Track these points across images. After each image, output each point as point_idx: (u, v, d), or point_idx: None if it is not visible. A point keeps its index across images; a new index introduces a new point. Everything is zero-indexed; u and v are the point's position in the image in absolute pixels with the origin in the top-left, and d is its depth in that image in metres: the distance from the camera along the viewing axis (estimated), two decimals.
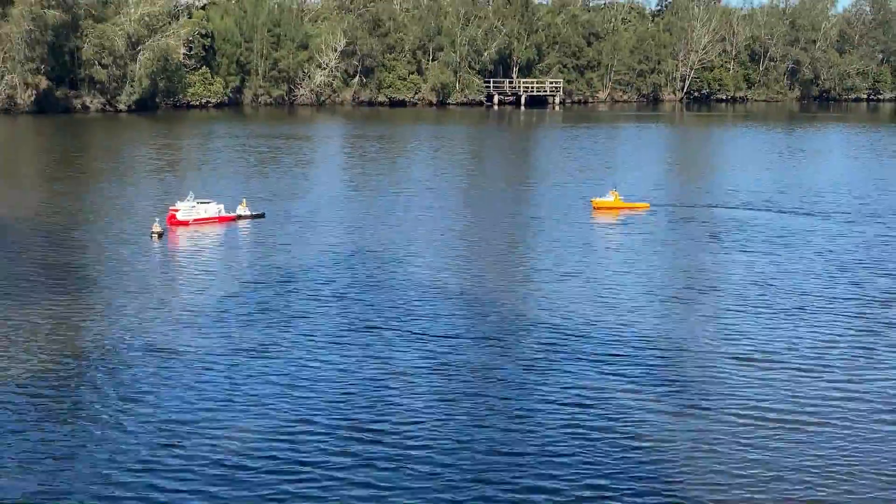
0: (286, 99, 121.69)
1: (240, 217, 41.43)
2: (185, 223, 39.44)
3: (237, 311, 26.95)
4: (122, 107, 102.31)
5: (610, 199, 45.87)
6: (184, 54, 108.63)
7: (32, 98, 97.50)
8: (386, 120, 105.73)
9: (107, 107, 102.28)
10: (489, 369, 22.55)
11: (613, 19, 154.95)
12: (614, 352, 23.94)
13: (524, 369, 22.54)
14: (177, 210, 39.74)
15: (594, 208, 45.54)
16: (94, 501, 15.80)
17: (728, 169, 65.50)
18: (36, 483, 16.34)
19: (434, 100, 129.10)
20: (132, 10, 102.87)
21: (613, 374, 22.23)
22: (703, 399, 20.68)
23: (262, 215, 41.91)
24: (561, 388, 21.27)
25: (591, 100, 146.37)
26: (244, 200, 42.63)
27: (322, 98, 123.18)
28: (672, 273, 33.09)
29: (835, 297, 29.59)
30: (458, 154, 74.18)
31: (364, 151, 72.55)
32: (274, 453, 17.62)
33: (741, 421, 19.55)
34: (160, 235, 37.32)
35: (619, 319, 26.88)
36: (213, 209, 40.77)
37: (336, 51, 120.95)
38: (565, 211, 45.26)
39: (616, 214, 44.53)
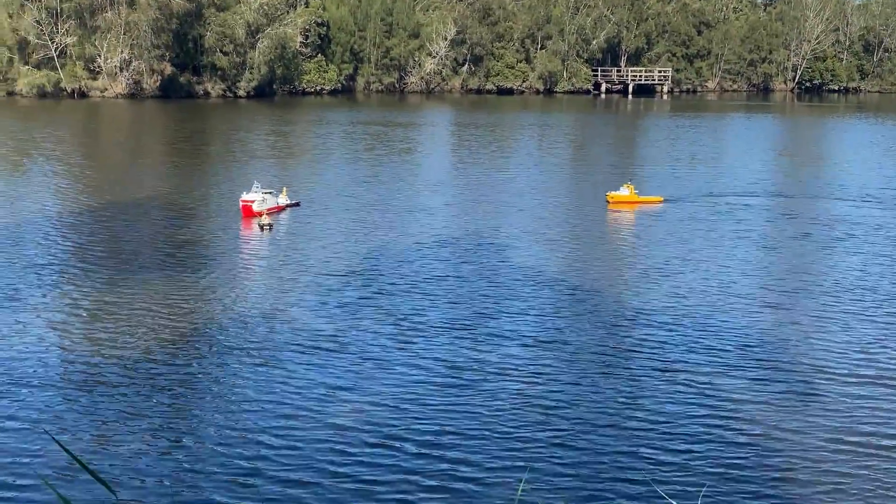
0: (397, 86, 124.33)
1: (288, 206, 41.15)
2: (260, 214, 38.35)
3: (335, 302, 27.35)
4: (241, 93, 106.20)
5: (625, 192, 44.81)
6: (300, 42, 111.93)
7: (157, 84, 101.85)
8: (493, 107, 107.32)
9: (227, 93, 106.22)
10: (590, 370, 24.08)
11: (724, 8, 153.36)
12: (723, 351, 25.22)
13: (635, 368, 24.02)
14: (251, 202, 38.92)
15: (609, 203, 44.44)
16: (185, 480, 16.82)
17: (838, 161, 65.33)
18: (134, 461, 17.44)
19: (541, 88, 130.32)
20: (252, 0, 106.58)
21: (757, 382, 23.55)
22: (822, 414, 21.09)
23: (297, 204, 41.78)
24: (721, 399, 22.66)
25: (699, 89, 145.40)
26: (285, 189, 42.26)
27: (431, 86, 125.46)
28: (776, 272, 33.97)
29: None
30: (563, 142, 75.41)
31: (468, 139, 74.23)
32: (369, 441, 18.26)
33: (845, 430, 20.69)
34: (270, 228, 36.90)
35: (704, 314, 28.07)
36: (273, 200, 40.33)
37: (446, 39, 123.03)
38: (678, 202, 46.15)
39: (633, 209, 43.82)
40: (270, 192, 40.47)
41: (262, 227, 36.75)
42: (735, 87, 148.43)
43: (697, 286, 30.03)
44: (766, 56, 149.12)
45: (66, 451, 4.41)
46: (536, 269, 32.00)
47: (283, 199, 41.24)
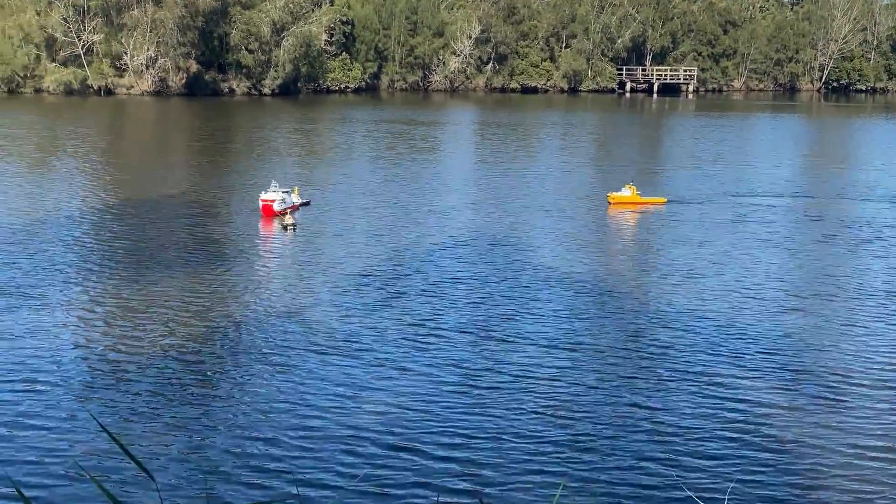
0: (421, 85, 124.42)
1: (300, 205, 40.85)
2: (283, 214, 38.13)
3: (356, 302, 27.51)
4: (266, 91, 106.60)
5: (627, 193, 44.28)
6: (325, 41, 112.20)
7: (183, 81, 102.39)
8: (517, 106, 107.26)
9: (252, 90, 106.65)
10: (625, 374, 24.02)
11: (751, 7, 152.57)
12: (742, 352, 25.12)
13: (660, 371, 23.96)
14: (271, 201, 38.63)
15: (610, 203, 43.96)
16: (219, 473, 17.11)
17: (865, 162, 64.83)
18: (167, 458, 17.74)
19: (566, 87, 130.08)
20: None
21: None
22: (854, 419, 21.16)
23: (307, 203, 41.46)
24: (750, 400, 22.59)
25: (725, 88, 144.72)
26: (296, 188, 41.71)
27: (456, 84, 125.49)
28: (798, 274, 33.80)
29: None
30: (586, 142, 75.26)
31: (491, 138, 74.19)
32: (391, 442, 18.52)
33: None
34: (294, 228, 36.51)
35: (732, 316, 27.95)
36: (290, 199, 40.02)
37: (471, 38, 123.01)
38: (702, 202, 45.97)
39: (634, 209, 43.38)
40: (286, 192, 40.09)
41: (285, 228, 36.39)
42: (761, 86, 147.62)
43: (719, 289, 29.87)
44: (792, 56, 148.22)
45: (109, 434, 4.49)
46: (554, 269, 31.92)
47: (294, 198, 40.81)
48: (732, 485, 16.63)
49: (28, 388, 20.26)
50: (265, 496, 15.85)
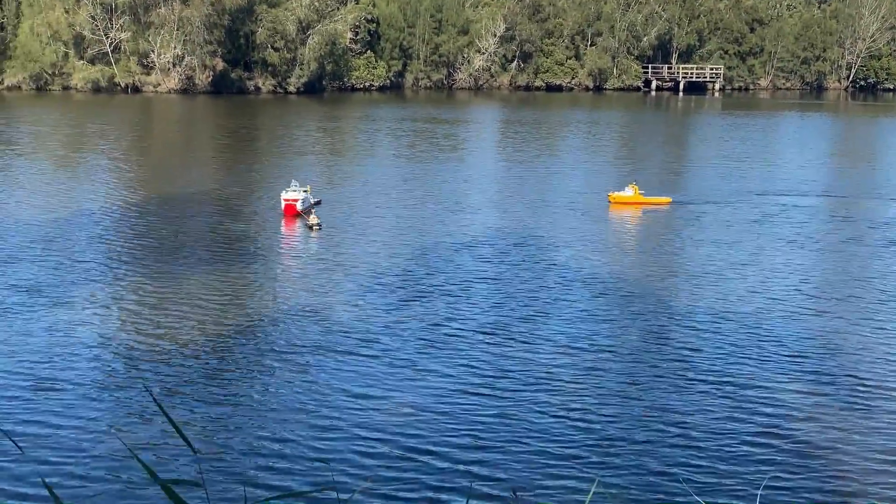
0: (445, 83, 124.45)
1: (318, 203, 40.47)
2: (307, 215, 37.67)
3: (379, 300, 27.84)
4: (291, 89, 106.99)
5: (629, 193, 43.96)
6: (350, 39, 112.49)
7: (209, 79, 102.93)
8: (541, 104, 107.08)
9: (277, 88, 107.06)
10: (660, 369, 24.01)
11: (778, 5, 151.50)
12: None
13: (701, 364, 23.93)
14: (294, 200, 38.47)
15: (611, 203, 43.62)
16: (250, 469, 17.37)
17: (892, 162, 64.31)
18: (201, 451, 18.00)
19: (590, 85, 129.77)
20: None
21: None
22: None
23: (319, 202, 40.88)
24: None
25: (751, 87, 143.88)
26: (309, 187, 41.11)
27: (480, 82, 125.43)
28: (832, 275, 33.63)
29: None
30: (610, 141, 75.05)
31: (514, 136, 74.05)
32: (435, 429, 18.96)
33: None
34: (320, 227, 36.25)
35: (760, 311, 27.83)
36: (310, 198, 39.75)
37: (495, 36, 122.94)
38: (727, 202, 45.73)
39: (636, 209, 43.06)
40: (304, 190, 39.74)
41: (311, 227, 36.19)
42: (788, 85, 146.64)
43: (744, 290, 29.81)
44: (819, 54, 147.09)
45: (158, 403, 4.63)
46: (579, 270, 31.93)
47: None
48: (760, 491, 16.61)
49: (57, 379, 20.51)
50: (292, 486, 16.00)
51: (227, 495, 15.93)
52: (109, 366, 21.75)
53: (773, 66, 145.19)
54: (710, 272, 31.83)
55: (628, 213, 42.74)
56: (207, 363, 22.04)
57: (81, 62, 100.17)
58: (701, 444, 18.36)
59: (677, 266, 33.13)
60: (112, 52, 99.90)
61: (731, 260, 33.69)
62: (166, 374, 21.26)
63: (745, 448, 18.28)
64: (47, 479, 15.85)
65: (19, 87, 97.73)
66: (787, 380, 21.90)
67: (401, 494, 16.19)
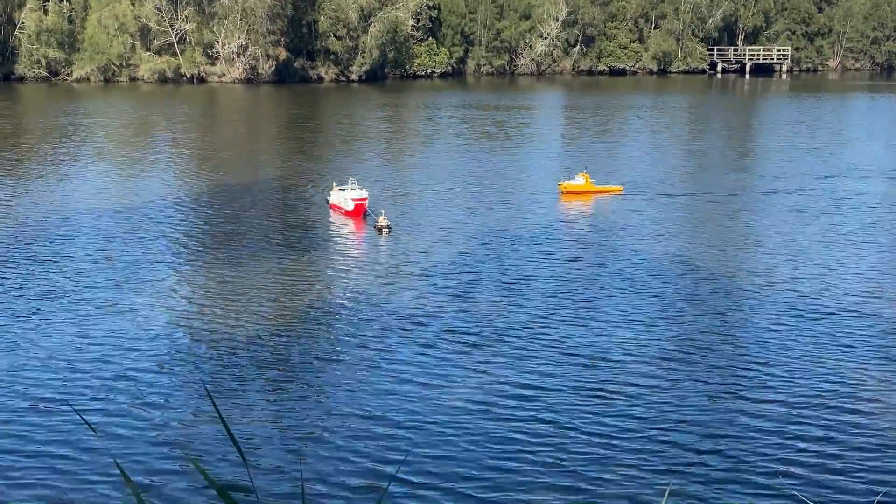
0: (507, 68, 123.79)
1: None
2: (376, 214, 35.76)
3: (438, 297, 27.85)
4: (353, 77, 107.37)
5: (580, 182, 42.50)
6: (411, 26, 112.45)
7: (273, 68, 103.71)
8: (605, 89, 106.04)
9: (339, 77, 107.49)
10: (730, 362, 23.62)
11: None
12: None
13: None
14: (363, 199, 36.95)
15: (562, 193, 42.16)
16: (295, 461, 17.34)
17: None
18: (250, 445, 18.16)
19: (654, 68, 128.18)
20: None
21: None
22: None
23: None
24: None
25: (820, 68, 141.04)
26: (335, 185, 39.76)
27: (542, 68, 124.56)
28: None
29: None
30: (678, 124, 74.04)
31: (577, 122, 73.48)
32: (493, 425, 18.86)
33: None
34: (389, 230, 34.36)
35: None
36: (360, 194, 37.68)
37: (557, 20, 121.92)
38: (798, 188, 44.92)
39: (588, 199, 41.67)
40: (355, 187, 37.79)
41: (380, 230, 34.25)
42: (857, 66, 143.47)
43: (810, 280, 29.23)
44: (890, 34, 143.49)
45: (216, 407, 4.55)
46: (669, 261, 31.58)
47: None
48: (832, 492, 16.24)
49: (122, 366, 20.80)
50: (357, 480, 16.00)
51: (277, 491, 15.97)
52: (168, 354, 22.00)
53: (841, 47, 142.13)
54: (789, 259, 31.24)
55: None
56: (265, 359, 22.18)
57: (148, 53, 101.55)
58: (778, 442, 18.01)
59: (750, 253, 32.57)
60: (177, 43, 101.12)
61: (801, 248, 33.05)
62: (224, 365, 21.41)
63: (816, 444, 17.88)
64: (116, 461, 15.96)
65: (88, 79, 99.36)
66: (854, 375, 21.44)
67: (468, 497, 16.08)
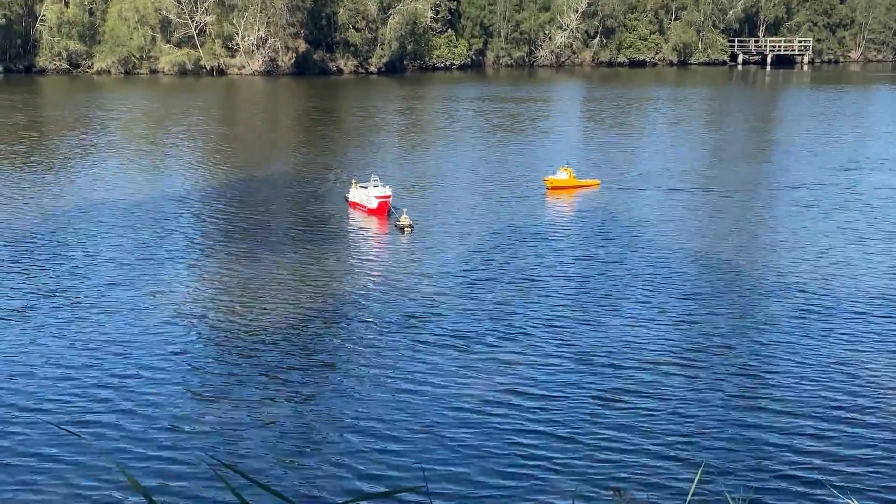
0: (526, 60, 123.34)
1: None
2: (398, 212, 35.37)
3: (476, 292, 27.74)
4: (372, 69, 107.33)
5: (564, 176, 42.04)
6: (430, 18, 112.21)
7: (292, 61, 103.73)
8: (625, 81, 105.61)
9: (359, 69, 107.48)
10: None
11: None
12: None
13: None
14: (387, 196, 36.35)
15: (548, 188, 41.81)
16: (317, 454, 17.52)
17: None
18: (272, 440, 18.26)
19: (675, 60, 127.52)
20: None
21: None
22: None
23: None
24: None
25: (842, 59, 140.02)
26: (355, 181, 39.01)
27: (562, 59, 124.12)
28: None
29: None
30: (696, 117, 73.66)
31: (602, 114, 73.22)
32: (512, 421, 18.84)
33: None
34: (412, 229, 33.78)
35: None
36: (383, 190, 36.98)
37: (577, 12, 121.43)
38: (819, 184, 44.65)
39: (571, 194, 41.38)
40: (378, 184, 37.07)
41: (402, 229, 33.64)
42: (879, 57, 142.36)
43: (833, 273, 29.09)
44: None
45: (245, 475, 4.54)
46: (693, 252, 31.48)
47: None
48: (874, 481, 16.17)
49: (141, 358, 20.93)
50: (374, 484, 16.06)
51: (305, 491, 16.04)
52: (183, 349, 22.14)
53: (863, 38, 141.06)
54: (823, 252, 31.11)
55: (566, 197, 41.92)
56: (289, 353, 22.31)
57: (168, 46, 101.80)
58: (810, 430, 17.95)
59: (768, 247, 32.44)
60: (197, 35, 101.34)
61: (820, 243, 32.89)
62: (248, 357, 21.49)
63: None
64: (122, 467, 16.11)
65: (108, 71, 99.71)
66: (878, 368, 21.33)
67: (503, 491, 16.11)
